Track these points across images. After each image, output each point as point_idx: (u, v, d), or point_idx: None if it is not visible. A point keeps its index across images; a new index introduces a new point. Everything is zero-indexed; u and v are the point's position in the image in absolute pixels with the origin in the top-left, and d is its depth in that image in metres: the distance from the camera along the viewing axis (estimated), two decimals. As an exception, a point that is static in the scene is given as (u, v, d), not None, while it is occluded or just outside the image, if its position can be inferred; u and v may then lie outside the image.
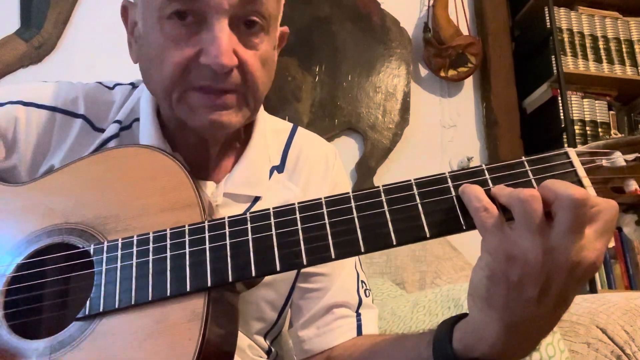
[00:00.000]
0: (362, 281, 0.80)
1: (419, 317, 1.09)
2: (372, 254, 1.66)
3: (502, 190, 0.48)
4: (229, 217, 0.55)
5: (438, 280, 1.58)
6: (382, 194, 0.52)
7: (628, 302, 0.96)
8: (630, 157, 0.50)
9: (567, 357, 0.85)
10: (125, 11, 0.70)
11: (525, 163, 0.51)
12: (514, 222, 0.47)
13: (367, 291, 0.80)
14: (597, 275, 2.00)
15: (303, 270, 0.77)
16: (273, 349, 0.80)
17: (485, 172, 0.51)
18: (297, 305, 0.77)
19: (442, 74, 2.24)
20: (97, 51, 2.03)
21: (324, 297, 0.76)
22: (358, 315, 0.77)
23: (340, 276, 0.78)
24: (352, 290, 0.78)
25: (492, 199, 0.49)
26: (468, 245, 1.82)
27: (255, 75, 0.64)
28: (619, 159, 0.50)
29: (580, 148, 0.52)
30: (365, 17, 2.27)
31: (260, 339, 0.77)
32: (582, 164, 0.50)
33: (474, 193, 0.49)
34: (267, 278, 0.71)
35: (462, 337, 0.53)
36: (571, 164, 0.50)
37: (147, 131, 0.70)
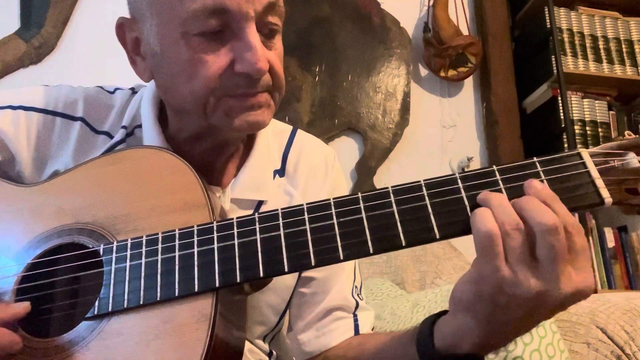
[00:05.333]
0: (356, 286, 0.80)
1: (418, 317, 1.09)
2: (372, 254, 1.65)
3: (490, 215, 0.48)
4: (237, 218, 0.55)
5: (438, 280, 1.58)
6: (391, 195, 0.52)
7: (628, 302, 0.96)
8: None
9: (567, 357, 0.85)
10: (121, 29, 0.69)
11: (537, 164, 0.51)
12: (507, 255, 0.47)
13: (359, 295, 0.80)
14: (597, 275, 2.00)
15: (303, 274, 0.77)
16: (274, 352, 0.80)
17: (496, 172, 0.51)
18: (297, 309, 0.78)
19: (442, 74, 2.24)
20: (97, 51, 2.03)
21: (323, 301, 0.76)
22: (355, 316, 0.78)
23: (339, 280, 0.78)
24: (348, 294, 0.78)
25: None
26: (468, 245, 1.82)
27: (280, 74, 0.66)
28: (633, 160, 0.50)
29: (593, 149, 0.51)
30: (365, 17, 2.27)
31: (261, 342, 0.77)
32: (595, 164, 0.50)
33: (484, 216, 0.48)
34: (271, 284, 0.72)
35: (444, 338, 0.54)
36: (584, 164, 0.50)
37: (151, 138, 0.70)
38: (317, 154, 0.83)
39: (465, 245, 1.81)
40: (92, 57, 2.03)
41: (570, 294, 0.46)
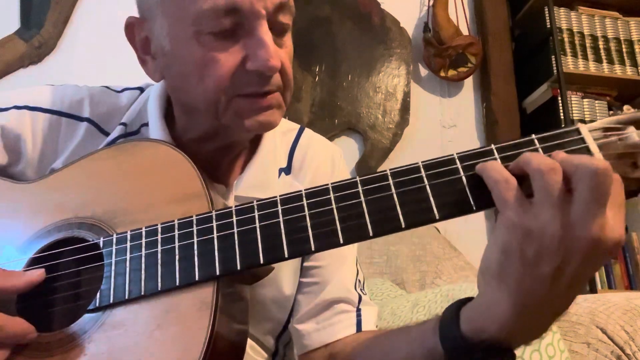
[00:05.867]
0: (359, 280, 0.80)
1: (419, 317, 1.09)
2: (372, 254, 1.66)
3: (527, 160, 0.47)
4: (236, 206, 0.55)
5: (438, 280, 1.58)
6: (390, 177, 0.52)
7: (628, 302, 0.95)
8: None
9: (567, 357, 0.85)
10: (131, 29, 0.68)
11: (536, 141, 0.50)
12: (533, 198, 0.46)
13: (362, 290, 0.79)
14: (597, 275, 2.00)
15: (304, 264, 0.77)
16: (281, 351, 0.80)
17: (495, 151, 0.50)
18: (296, 298, 0.77)
19: (442, 74, 2.24)
20: (97, 51, 2.03)
21: (323, 292, 0.76)
22: (358, 310, 0.76)
23: (339, 271, 0.77)
24: (350, 286, 0.77)
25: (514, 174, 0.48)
26: (468, 245, 1.83)
27: (289, 73, 0.65)
28: (632, 134, 0.49)
29: (592, 124, 0.51)
30: (365, 17, 2.27)
31: (269, 339, 0.77)
32: (594, 139, 0.49)
33: (493, 166, 0.48)
34: (274, 278, 0.71)
35: (470, 319, 0.51)
36: (583, 140, 0.49)
37: (157, 136, 0.70)
38: (324, 152, 0.83)
39: (465, 245, 1.81)
40: (92, 57, 2.03)
41: (598, 239, 0.43)
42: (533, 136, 0.50)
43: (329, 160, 0.82)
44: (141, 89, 0.78)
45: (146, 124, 0.72)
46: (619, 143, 0.49)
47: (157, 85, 0.74)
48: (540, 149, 0.49)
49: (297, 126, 0.84)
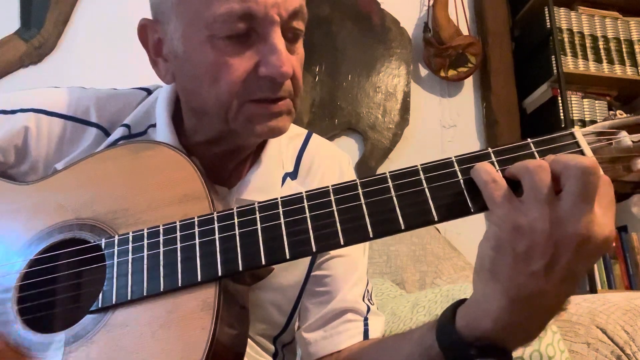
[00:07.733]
0: (368, 290, 0.80)
1: (419, 317, 1.09)
2: (372, 254, 1.66)
3: (517, 164, 0.48)
4: (237, 208, 0.56)
5: (438, 280, 1.58)
6: (389, 180, 0.52)
7: (628, 302, 0.95)
8: (637, 137, 0.50)
9: (567, 357, 0.85)
10: (144, 30, 0.68)
11: (532, 144, 0.51)
12: (523, 196, 0.47)
13: (370, 300, 0.79)
14: (597, 275, 2.00)
15: (313, 273, 0.77)
16: (280, 352, 0.80)
17: (492, 154, 0.51)
18: (305, 307, 0.77)
19: (442, 74, 2.25)
20: (97, 51, 2.03)
21: (332, 301, 0.76)
22: (365, 320, 0.76)
23: (349, 280, 0.77)
24: (359, 297, 0.77)
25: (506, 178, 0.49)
26: (468, 245, 1.83)
27: (299, 80, 0.66)
28: (625, 138, 0.50)
29: (586, 128, 0.52)
30: (365, 17, 2.27)
31: (264, 341, 0.77)
32: (589, 144, 0.50)
33: (483, 168, 0.49)
34: (276, 282, 0.71)
35: (465, 316, 0.52)
36: (577, 144, 0.50)
37: (164, 138, 0.70)
38: (332, 159, 0.82)
39: (465, 245, 1.81)
40: (92, 57, 2.03)
41: (587, 234, 0.45)
42: (529, 140, 0.51)
43: (336, 167, 0.82)
44: (148, 90, 0.78)
45: (154, 125, 0.72)
46: (613, 147, 0.51)
47: (167, 87, 0.74)
48: (535, 153, 0.50)
49: (304, 131, 0.84)
